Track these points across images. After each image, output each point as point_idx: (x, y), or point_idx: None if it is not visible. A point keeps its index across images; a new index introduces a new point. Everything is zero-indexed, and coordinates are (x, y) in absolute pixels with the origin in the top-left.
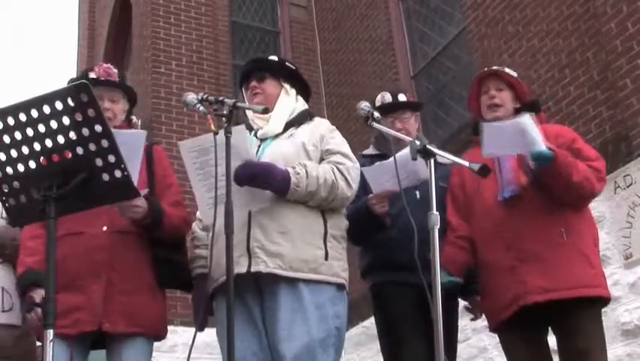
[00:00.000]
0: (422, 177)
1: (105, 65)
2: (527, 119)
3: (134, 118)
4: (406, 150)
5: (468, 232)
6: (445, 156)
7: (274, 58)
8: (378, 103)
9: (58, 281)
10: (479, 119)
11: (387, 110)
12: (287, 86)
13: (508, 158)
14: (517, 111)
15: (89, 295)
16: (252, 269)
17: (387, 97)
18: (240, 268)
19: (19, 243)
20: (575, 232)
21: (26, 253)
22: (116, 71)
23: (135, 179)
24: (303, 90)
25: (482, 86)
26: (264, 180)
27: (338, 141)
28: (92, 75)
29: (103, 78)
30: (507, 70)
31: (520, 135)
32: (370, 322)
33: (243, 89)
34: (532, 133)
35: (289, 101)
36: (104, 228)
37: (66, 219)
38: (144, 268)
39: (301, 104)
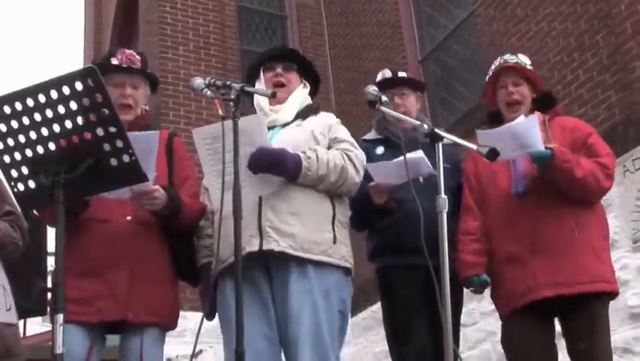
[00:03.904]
0: (424, 172)
1: (128, 51)
2: (521, 123)
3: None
4: (416, 155)
5: (481, 230)
6: (453, 140)
7: (299, 50)
8: (378, 79)
9: (81, 266)
10: (495, 110)
11: (385, 85)
12: (305, 82)
13: None
14: (534, 102)
15: (111, 284)
16: (264, 247)
17: (387, 73)
18: (252, 247)
19: (16, 241)
20: (586, 227)
21: None
22: (138, 57)
23: (152, 178)
24: (314, 85)
25: (498, 79)
26: (278, 170)
27: (344, 131)
28: (115, 62)
29: (125, 65)
30: (523, 60)
31: (514, 140)
32: (378, 306)
33: (262, 70)
34: (528, 136)
35: (303, 95)
36: (128, 217)
37: (91, 204)
38: (164, 260)
39: (308, 99)
